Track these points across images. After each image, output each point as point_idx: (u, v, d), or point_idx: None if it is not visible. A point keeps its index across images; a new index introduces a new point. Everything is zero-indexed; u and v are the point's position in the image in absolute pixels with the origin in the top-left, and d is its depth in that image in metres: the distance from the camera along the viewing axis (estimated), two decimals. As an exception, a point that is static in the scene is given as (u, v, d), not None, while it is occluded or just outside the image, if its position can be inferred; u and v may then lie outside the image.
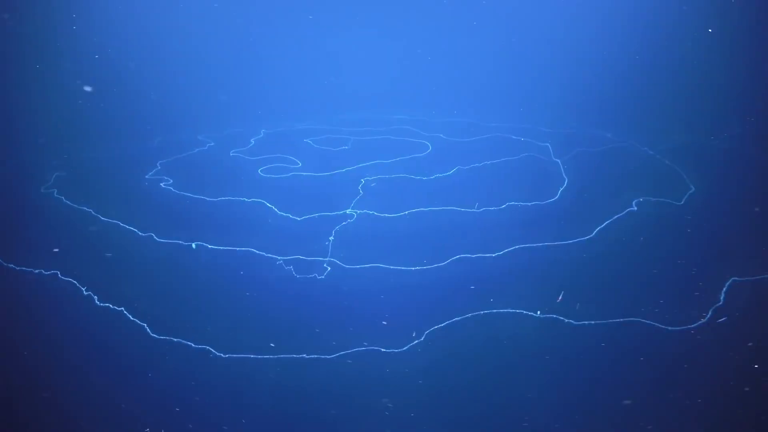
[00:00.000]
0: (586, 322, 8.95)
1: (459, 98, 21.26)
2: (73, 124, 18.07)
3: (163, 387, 7.82)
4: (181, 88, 20.34)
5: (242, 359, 8.32)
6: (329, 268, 10.64)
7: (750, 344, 8.34)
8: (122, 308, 9.32)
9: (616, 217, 12.24)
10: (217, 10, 23.13)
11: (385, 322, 9.01)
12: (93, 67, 19.89)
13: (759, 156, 15.47)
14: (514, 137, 17.74)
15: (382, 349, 8.53)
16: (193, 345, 8.55)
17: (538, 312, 9.13)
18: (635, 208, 12.61)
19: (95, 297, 9.67)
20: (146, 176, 14.91)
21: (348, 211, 12.80)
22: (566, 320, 8.99)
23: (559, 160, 15.62)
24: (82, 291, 9.85)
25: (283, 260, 10.72)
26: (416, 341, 8.71)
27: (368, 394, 7.74)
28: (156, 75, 20.81)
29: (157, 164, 15.66)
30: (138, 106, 19.73)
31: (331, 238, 11.65)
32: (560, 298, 9.24)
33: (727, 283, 9.76)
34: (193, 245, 11.36)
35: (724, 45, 18.05)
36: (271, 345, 8.46)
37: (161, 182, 14.38)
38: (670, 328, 8.76)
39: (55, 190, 13.89)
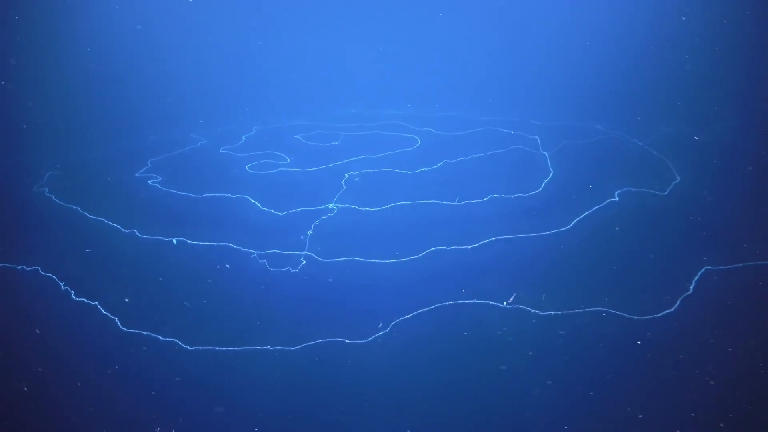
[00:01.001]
0: (552, 312, 8.97)
1: (452, 93, 21.23)
2: (71, 123, 18.31)
3: (127, 378, 7.97)
4: (176, 86, 20.54)
5: (207, 351, 8.45)
6: (304, 262, 10.73)
7: (712, 333, 8.30)
8: (96, 303, 9.50)
9: (595, 208, 12.20)
10: (214, 9, 23.33)
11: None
12: (90, 66, 20.16)
13: (749, 147, 15.30)
14: (504, 130, 17.70)
15: (346, 340, 8.62)
16: (161, 338, 8.70)
17: (505, 303, 9.15)
18: (617, 199, 12.55)
19: (72, 292, 9.86)
20: (136, 174, 15.08)
21: (330, 206, 12.87)
22: (532, 310, 9.01)
23: (546, 153, 15.57)
24: (60, 286, 10.04)
25: (258, 254, 10.83)
26: (381, 332, 8.78)
27: (326, 383, 7.84)
28: (152, 74, 21.01)
29: (148, 162, 15.84)
30: (135, 105, 19.91)
31: (310, 232, 11.73)
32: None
33: (700, 272, 9.71)
34: (174, 241, 11.51)
35: (717, 37, 17.85)
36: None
37: (149, 180, 14.55)
38: (635, 317, 8.75)
39: (47, 189, 14.11)
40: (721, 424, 7.06)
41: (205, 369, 8.13)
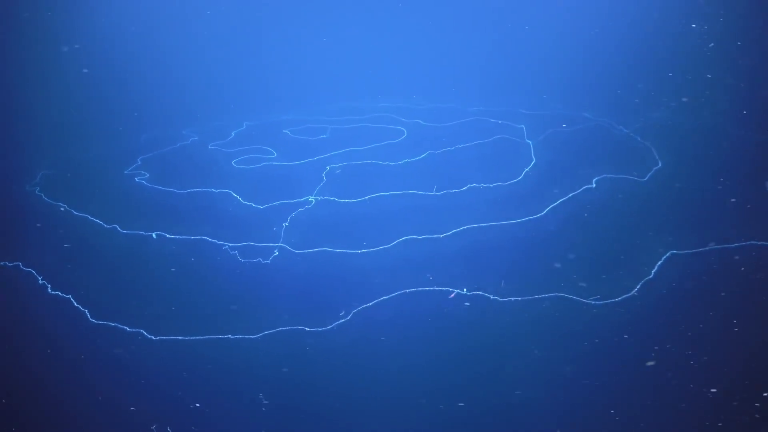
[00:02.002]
0: (512, 299, 9.04)
1: (444, 85, 21.22)
2: (68, 124, 18.65)
3: (91, 368, 8.23)
4: (170, 85, 20.80)
5: (170, 341, 8.67)
6: (277, 253, 10.92)
7: (668, 317, 8.33)
8: (69, 296, 9.77)
9: (570, 194, 12.19)
10: (209, 8, 23.59)
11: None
12: (87, 66, 20.52)
13: (737, 132, 15.12)
14: (492, 120, 17.69)
15: (306, 328, 8.79)
16: (127, 329, 8.94)
17: (465, 289, 9.24)
18: (594, 186, 12.53)
19: (49, 285, 10.14)
20: (125, 171, 15.36)
21: (310, 198, 13.03)
22: (492, 297, 9.10)
23: (530, 141, 15.55)
24: (39, 280, 10.34)
25: (230, 246, 11.03)
26: (342, 320, 8.94)
27: (282, 369, 8.04)
28: (148, 73, 21.30)
29: (138, 160, 16.12)
30: (131, 104, 20.21)
31: (285, 224, 11.91)
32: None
33: (665, 257, 9.70)
34: (154, 235, 11.76)
35: (707, 22, 17.67)
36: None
37: (137, 177, 14.82)
38: (593, 302, 8.79)
39: (38, 188, 14.45)
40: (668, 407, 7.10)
41: (167, 358, 8.36)
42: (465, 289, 9.25)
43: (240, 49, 22.88)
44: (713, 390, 7.17)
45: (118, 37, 21.39)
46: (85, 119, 19.04)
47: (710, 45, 17.06)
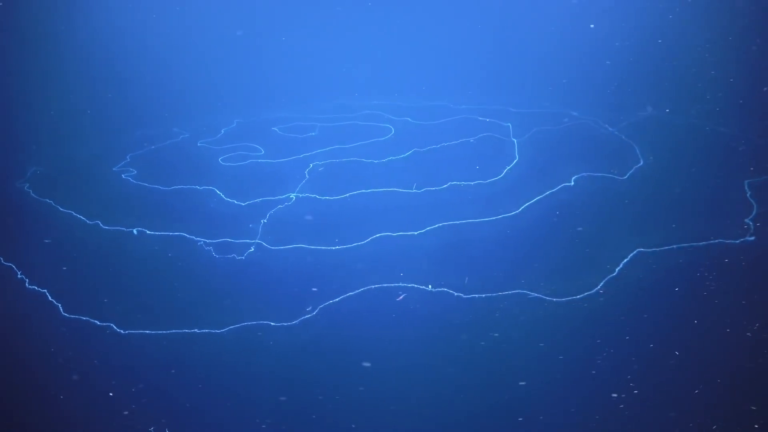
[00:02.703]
0: (476, 296, 9.13)
1: (436, 82, 21.29)
2: (61, 121, 18.91)
3: (59, 361, 8.39)
4: (165, 83, 21.04)
5: (138, 335, 8.84)
6: (252, 249, 11.06)
7: (628, 314, 8.40)
8: (45, 290, 9.96)
9: (548, 192, 12.25)
10: (202, 7, 23.81)
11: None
12: (85, 64, 20.80)
13: (724, 132, 15.11)
14: (480, 118, 17.74)
15: (272, 323, 8.93)
16: (98, 323, 9.11)
17: (430, 286, 9.35)
18: (572, 184, 12.58)
19: (27, 280, 10.34)
20: (113, 168, 15.56)
21: (291, 196, 13.16)
22: (455, 293, 9.19)
23: (515, 140, 15.60)
24: (18, 274, 10.54)
25: (205, 242, 11.18)
26: (308, 315, 9.07)
27: (245, 363, 8.19)
28: (145, 71, 21.53)
29: (127, 157, 16.31)
30: (127, 102, 20.44)
31: (264, 220, 12.05)
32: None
33: (631, 254, 9.75)
34: (135, 231, 11.94)
35: (696, 19, 17.63)
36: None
37: (123, 173, 15.01)
38: (555, 299, 8.86)
39: (27, 184, 14.68)
40: (621, 406, 7.17)
41: (133, 352, 8.52)
42: (430, 286, 9.34)
43: (235, 48, 23.06)
44: (672, 384, 7.24)
45: (113, 36, 21.63)
46: (79, 117, 19.30)
47: (704, 44, 17.00)
